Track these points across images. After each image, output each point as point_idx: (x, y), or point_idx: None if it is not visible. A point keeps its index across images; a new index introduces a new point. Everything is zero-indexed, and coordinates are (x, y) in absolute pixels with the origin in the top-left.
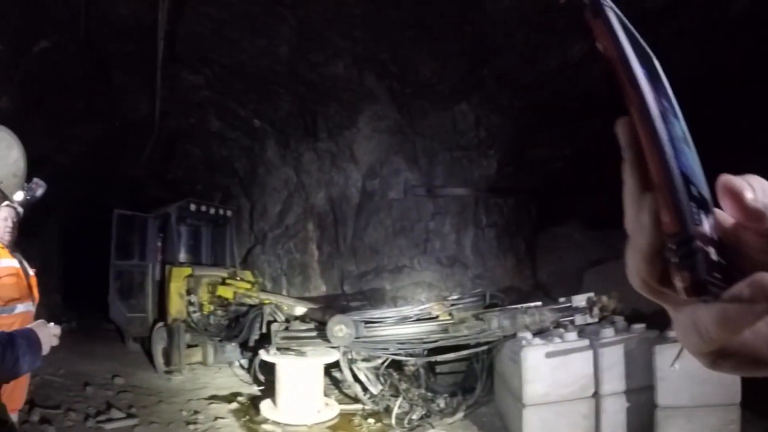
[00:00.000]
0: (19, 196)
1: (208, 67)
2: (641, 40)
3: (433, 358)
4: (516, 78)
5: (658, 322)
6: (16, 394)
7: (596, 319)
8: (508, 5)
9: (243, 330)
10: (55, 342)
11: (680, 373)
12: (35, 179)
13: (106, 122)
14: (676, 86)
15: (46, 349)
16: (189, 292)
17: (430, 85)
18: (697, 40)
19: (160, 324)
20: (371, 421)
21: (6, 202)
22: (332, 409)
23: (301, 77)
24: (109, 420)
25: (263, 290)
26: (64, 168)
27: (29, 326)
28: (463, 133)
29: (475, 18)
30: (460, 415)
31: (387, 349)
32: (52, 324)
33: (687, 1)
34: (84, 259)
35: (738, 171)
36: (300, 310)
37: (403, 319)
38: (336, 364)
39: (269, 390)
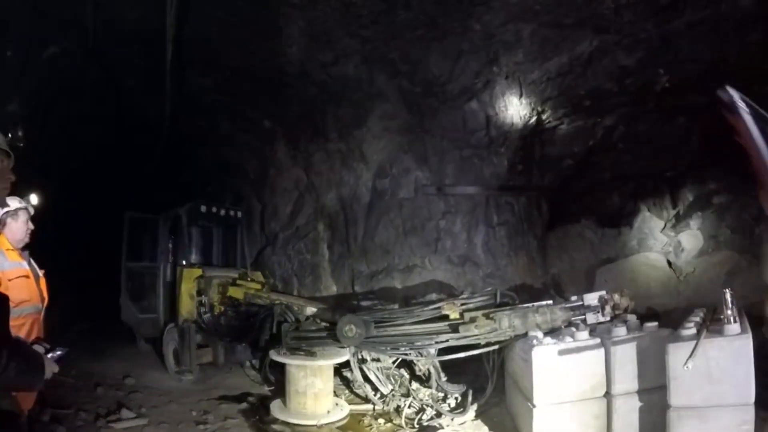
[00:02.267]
0: (34, 199)
1: (218, 70)
2: (761, 111)
3: (443, 358)
4: (525, 76)
5: (671, 321)
6: (25, 394)
7: (608, 318)
8: (516, 2)
9: (253, 330)
10: (56, 369)
11: (693, 372)
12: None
13: (116, 126)
14: (687, 80)
15: (48, 373)
16: (200, 293)
17: (440, 84)
18: (707, 34)
19: (171, 325)
20: (381, 421)
21: (23, 205)
22: (342, 409)
23: (311, 78)
24: (119, 420)
25: (274, 290)
26: (75, 172)
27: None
28: (473, 132)
29: (484, 16)
30: (470, 415)
31: (397, 348)
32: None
33: None
34: (96, 261)
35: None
36: (310, 310)
37: (414, 319)
38: (346, 364)
39: (279, 390)
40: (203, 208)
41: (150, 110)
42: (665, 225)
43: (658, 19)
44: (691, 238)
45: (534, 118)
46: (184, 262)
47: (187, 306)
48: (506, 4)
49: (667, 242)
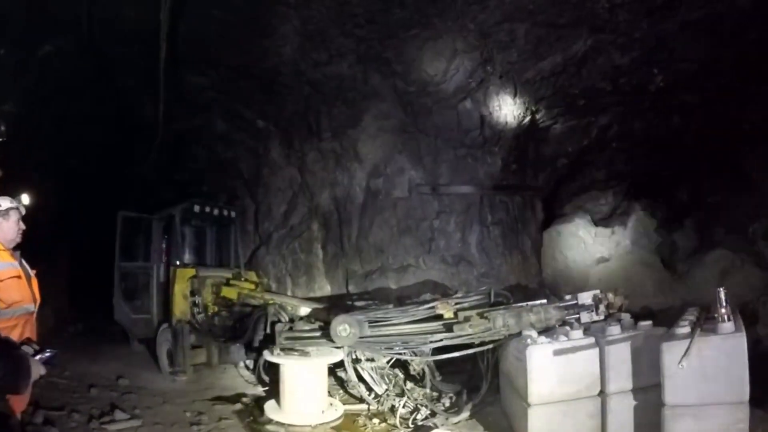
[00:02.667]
0: (26, 199)
1: (213, 69)
2: None
3: (437, 357)
4: (520, 75)
5: (666, 319)
6: (17, 396)
7: (602, 317)
8: (511, 1)
9: (247, 331)
10: (43, 371)
11: (688, 371)
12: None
13: (112, 125)
14: (681, 79)
15: (35, 375)
16: (193, 293)
17: (434, 84)
18: (703, 33)
19: (165, 325)
20: (375, 421)
21: (15, 205)
22: (336, 409)
23: (306, 77)
24: (113, 421)
25: (267, 290)
26: (70, 171)
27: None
28: (467, 131)
29: (479, 15)
30: (465, 414)
31: (391, 348)
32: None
33: None
34: (90, 261)
35: (749, 160)
36: (304, 310)
37: (408, 319)
38: (340, 364)
39: (273, 390)
40: (197, 208)
41: (147, 109)
42: (659, 224)
43: (653, 19)
44: (684, 237)
45: (528, 118)
46: (177, 262)
47: (180, 306)
48: (501, 4)
49: (661, 241)
